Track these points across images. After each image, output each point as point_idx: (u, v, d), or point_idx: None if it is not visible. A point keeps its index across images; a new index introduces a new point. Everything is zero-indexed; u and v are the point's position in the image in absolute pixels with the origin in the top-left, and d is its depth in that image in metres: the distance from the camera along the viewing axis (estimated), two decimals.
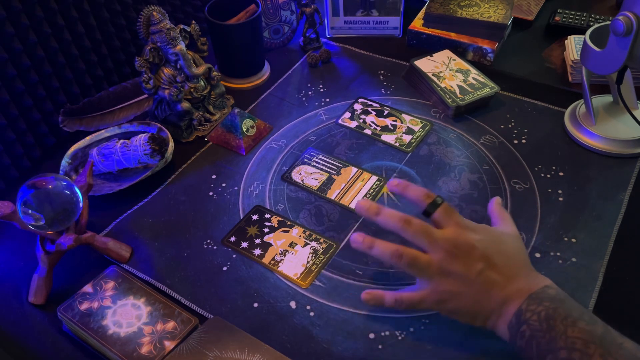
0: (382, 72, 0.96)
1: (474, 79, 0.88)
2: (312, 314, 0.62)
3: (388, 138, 0.83)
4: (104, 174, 0.79)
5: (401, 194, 0.60)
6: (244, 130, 0.82)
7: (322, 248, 0.68)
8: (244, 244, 0.70)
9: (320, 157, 0.80)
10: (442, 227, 0.57)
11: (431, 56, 0.92)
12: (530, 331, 0.50)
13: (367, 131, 0.84)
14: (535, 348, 0.49)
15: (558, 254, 0.66)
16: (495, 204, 0.64)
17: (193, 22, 0.83)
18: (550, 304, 0.50)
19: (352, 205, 0.73)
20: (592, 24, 0.98)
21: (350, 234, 0.59)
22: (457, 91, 0.85)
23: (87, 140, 0.81)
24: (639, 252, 0.67)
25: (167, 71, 0.81)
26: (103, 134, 0.82)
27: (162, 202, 0.76)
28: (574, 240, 0.68)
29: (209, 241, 0.70)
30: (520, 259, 0.57)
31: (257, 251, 0.69)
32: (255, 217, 0.73)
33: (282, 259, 0.67)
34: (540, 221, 0.70)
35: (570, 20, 1.00)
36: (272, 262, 0.67)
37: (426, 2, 1.02)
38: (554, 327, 0.49)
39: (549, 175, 0.76)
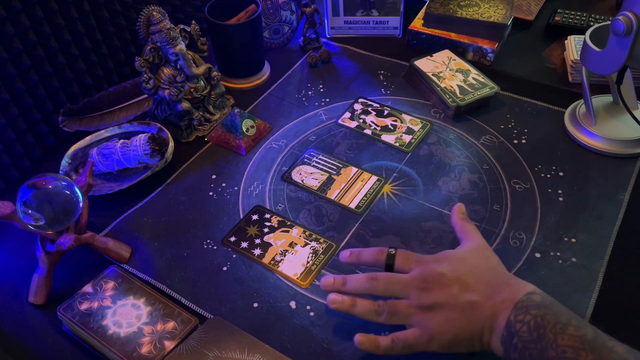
0: (382, 72, 0.96)
1: (474, 79, 0.88)
2: (312, 314, 0.62)
3: (388, 138, 0.83)
4: (104, 174, 0.79)
5: (356, 263, 0.62)
6: (244, 130, 0.83)
7: (322, 248, 0.68)
8: (244, 244, 0.70)
9: (320, 157, 0.80)
10: (407, 271, 0.57)
11: (431, 56, 0.92)
12: (522, 343, 0.49)
13: (367, 131, 0.84)
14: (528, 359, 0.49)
15: (558, 254, 0.66)
16: (456, 216, 0.63)
17: (193, 22, 0.83)
18: (538, 312, 0.50)
19: (352, 206, 0.73)
20: (592, 24, 0.98)
21: (328, 296, 0.59)
22: (457, 91, 0.85)
23: (87, 140, 0.81)
24: (639, 252, 0.67)
25: (167, 71, 0.81)
26: (103, 134, 0.82)
27: (162, 202, 0.76)
28: (574, 240, 0.68)
29: (209, 241, 0.70)
30: (492, 270, 0.56)
31: (257, 251, 0.69)
32: (255, 217, 0.73)
33: (282, 259, 0.67)
34: (540, 221, 0.70)
35: (570, 20, 1.00)
36: (272, 262, 0.67)
37: (426, 2, 1.02)
38: (544, 337, 0.48)
39: (549, 175, 0.76)
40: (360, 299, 0.58)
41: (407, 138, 0.82)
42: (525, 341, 0.49)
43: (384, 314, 0.56)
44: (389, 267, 0.59)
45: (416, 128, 0.84)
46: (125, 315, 0.61)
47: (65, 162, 0.79)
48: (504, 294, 0.52)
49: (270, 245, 0.69)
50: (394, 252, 0.59)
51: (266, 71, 0.96)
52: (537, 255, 0.66)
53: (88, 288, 0.64)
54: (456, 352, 0.54)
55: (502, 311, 0.51)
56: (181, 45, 0.79)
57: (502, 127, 0.83)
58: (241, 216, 0.73)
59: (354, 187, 0.76)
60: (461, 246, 0.60)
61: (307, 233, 0.70)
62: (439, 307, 0.54)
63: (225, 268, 0.67)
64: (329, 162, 0.80)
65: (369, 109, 0.88)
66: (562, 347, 0.47)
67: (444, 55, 0.92)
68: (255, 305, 0.63)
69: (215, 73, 0.85)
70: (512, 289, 0.53)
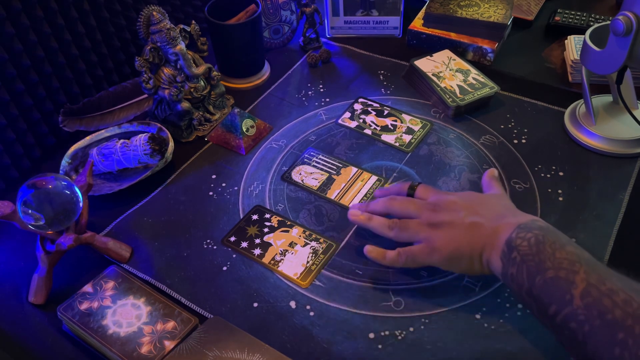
0: (382, 72, 0.96)
1: (474, 79, 0.88)
2: (312, 313, 0.62)
3: (388, 138, 0.83)
4: (104, 174, 0.79)
5: (385, 195, 0.68)
6: (244, 130, 0.83)
7: (322, 248, 0.68)
8: (244, 244, 0.70)
9: (320, 157, 0.81)
10: (425, 200, 0.63)
11: (431, 56, 0.92)
12: (521, 256, 0.51)
13: (367, 131, 0.84)
14: (525, 272, 0.51)
15: None
16: (487, 176, 0.67)
17: (193, 22, 0.83)
18: (540, 232, 0.53)
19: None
20: (592, 24, 0.98)
21: (349, 210, 0.67)
22: (457, 91, 0.85)
23: (87, 140, 0.81)
24: (639, 252, 0.67)
25: (167, 71, 0.81)
26: (103, 134, 0.82)
27: (162, 202, 0.76)
28: (574, 240, 0.68)
29: (209, 241, 0.70)
30: (503, 205, 0.61)
31: (257, 251, 0.69)
32: (255, 217, 0.73)
33: (282, 259, 0.67)
34: None
35: (570, 20, 1.00)
36: (272, 262, 0.67)
37: (426, 2, 1.02)
38: (542, 251, 0.51)
39: (549, 175, 0.76)
40: (376, 216, 0.64)
41: (407, 138, 0.82)
42: (524, 254, 0.51)
43: (395, 229, 0.62)
44: (410, 197, 0.65)
45: (416, 128, 0.84)
46: (125, 315, 0.61)
47: (65, 162, 0.79)
48: (509, 219, 0.56)
49: (270, 245, 0.69)
50: (417, 184, 0.66)
51: (266, 71, 0.97)
52: None
53: (88, 288, 0.64)
54: (455, 270, 0.61)
55: (504, 231, 0.54)
56: (181, 45, 0.79)
57: (502, 127, 0.83)
58: (241, 216, 0.73)
59: (354, 187, 0.76)
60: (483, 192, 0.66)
61: (307, 233, 0.70)
62: (446, 225, 0.59)
63: (225, 268, 0.67)
64: (329, 162, 0.80)
65: (369, 109, 0.88)
66: (559, 260, 0.49)
67: (444, 55, 0.93)
68: (255, 305, 0.63)
69: (215, 73, 0.85)
70: (517, 216, 0.57)
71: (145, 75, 0.79)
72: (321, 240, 0.69)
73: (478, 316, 0.61)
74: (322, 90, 0.93)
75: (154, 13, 0.77)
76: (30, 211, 0.60)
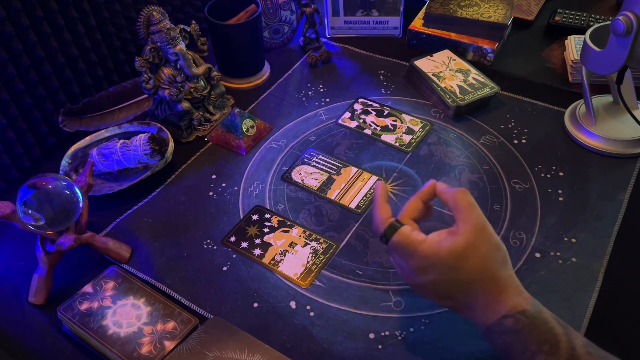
0: (382, 72, 0.96)
1: (474, 79, 0.88)
2: (312, 314, 0.62)
3: (388, 138, 0.83)
4: (104, 174, 0.79)
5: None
6: (244, 130, 0.83)
7: (322, 248, 0.68)
8: (244, 244, 0.70)
9: (320, 157, 0.80)
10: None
11: (431, 56, 0.92)
12: (495, 349, 0.50)
13: (367, 131, 0.84)
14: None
15: (558, 254, 0.66)
16: (454, 201, 0.52)
17: (193, 22, 0.83)
18: (507, 338, 0.48)
19: (352, 205, 0.73)
20: (592, 24, 0.98)
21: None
22: (457, 91, 0.85)
23: (87, 140, 0.81)
24: (639, 252, 0.67)
25: (167, 71, 0.81)
26: (103, 134, 0.82)
27: (162, 202, 0.76)
28: (574, 240, 0.68)
29: (209, 241, 0.70)
30: (479, 280, 0.50)
31: (257, 251, 0.69)
32: (255, 217, 0.73)
33: (282, 259, 0.67)
34: (540, 221, 0.70)
35: (570, 20, 1.00)
36: (272, 262, 0.67)
37: (426, 2, 1.02)
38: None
39: (549, 175, 0.76)
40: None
41: (407, 138, 0.82)
42: (496, 349, 0.50)
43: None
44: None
45: (416, 128, 0.84)
46: (125, 315, 0.61)
47: (65, 162, 0.79)
48: (478, 313, 0.51)
49: (270, 245, 0.69)
50: (389, 236, 0.53)
51: (266, 71, 0.96)
52: (537, 255, 0.66)
53: (88, 288, 0.64)
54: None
55: (474, 321, 0.52)
56: (181, 45, 0.79)
57: (502, 127, 0.83)
58: (241, 216, 0.73)
59: (354, 187, 0.76)
60: (456, 234, 0.50)
61: (307, 233, 0.70)
62: (416, 288, 0.55)
63: (225, 268, 0.67)
64: (329, 162, 0.80)
65: (369, 109, 0.88)
66: None
67: (444, 55, 0.92)
68: (255, 305, 0.63)
69: (215, 73, 0.85)
70: (487, 310, 0.50)
71: (145, 75, 0.79)
72: (321, 241, 0.69)
73: None
74: (322, 90, 0.93)
75: (154, 13, 0.77)
76: (30, 211, 0.60)
